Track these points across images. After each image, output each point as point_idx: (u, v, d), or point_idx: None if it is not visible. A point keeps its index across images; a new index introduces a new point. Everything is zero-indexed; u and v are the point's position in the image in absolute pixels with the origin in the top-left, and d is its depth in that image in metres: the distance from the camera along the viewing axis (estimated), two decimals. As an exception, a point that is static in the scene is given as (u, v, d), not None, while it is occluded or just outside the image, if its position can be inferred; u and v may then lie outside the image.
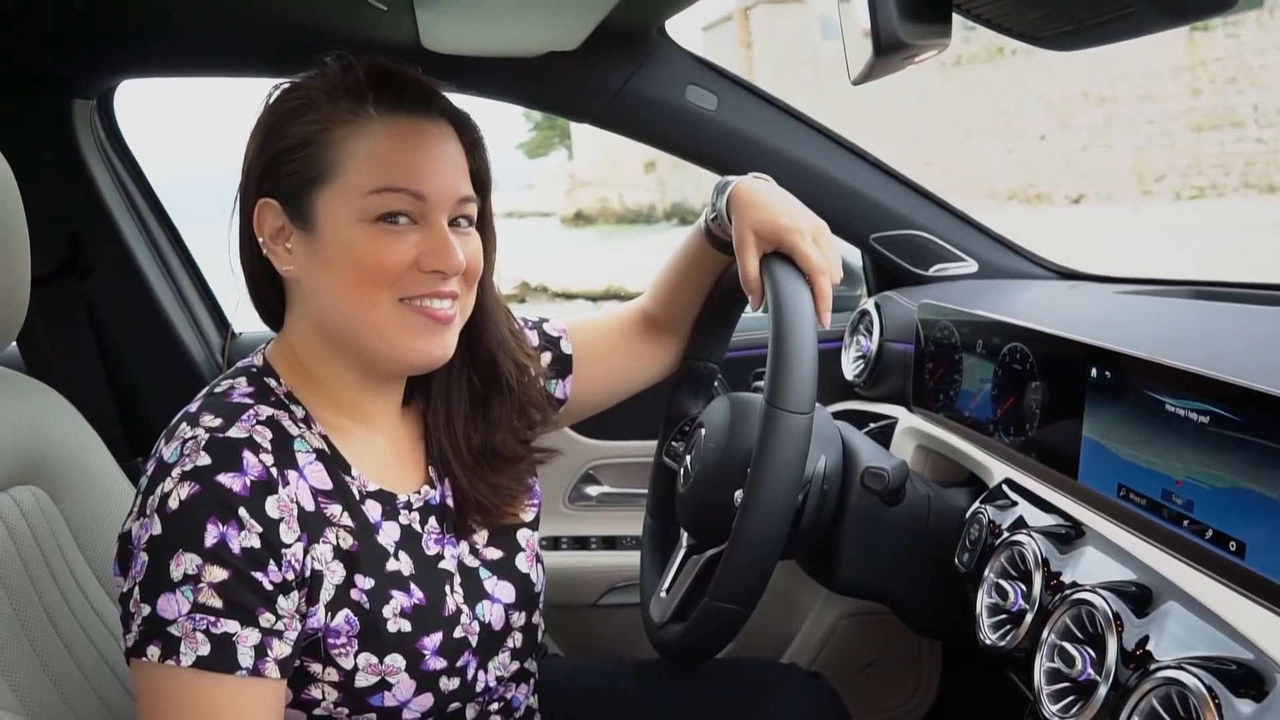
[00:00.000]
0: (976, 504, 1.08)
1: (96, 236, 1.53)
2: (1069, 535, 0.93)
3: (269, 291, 1.01)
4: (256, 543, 0.84)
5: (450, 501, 1.04)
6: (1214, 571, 0.79)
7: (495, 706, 1.06)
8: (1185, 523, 0.83)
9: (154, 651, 0.81)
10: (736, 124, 1.47)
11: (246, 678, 0.83)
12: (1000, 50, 16.68)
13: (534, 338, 1.20)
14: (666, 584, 1.19)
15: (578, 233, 27.56)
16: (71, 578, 1.11)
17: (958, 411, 1.27)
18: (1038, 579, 0.90)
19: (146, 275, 1.56)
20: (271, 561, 0.85)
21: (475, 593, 1.01)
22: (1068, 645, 0.80)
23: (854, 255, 1.69)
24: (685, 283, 1.26)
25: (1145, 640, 0.76)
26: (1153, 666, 0.73)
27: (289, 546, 0.87)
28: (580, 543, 1.67)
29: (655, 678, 1.25)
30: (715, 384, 1.32)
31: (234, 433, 0.88)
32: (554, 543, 1.66)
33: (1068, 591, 0.85)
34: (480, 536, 1.05)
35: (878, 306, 1.50)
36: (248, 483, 0.85)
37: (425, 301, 0.94)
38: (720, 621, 1.01)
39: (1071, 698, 0.80)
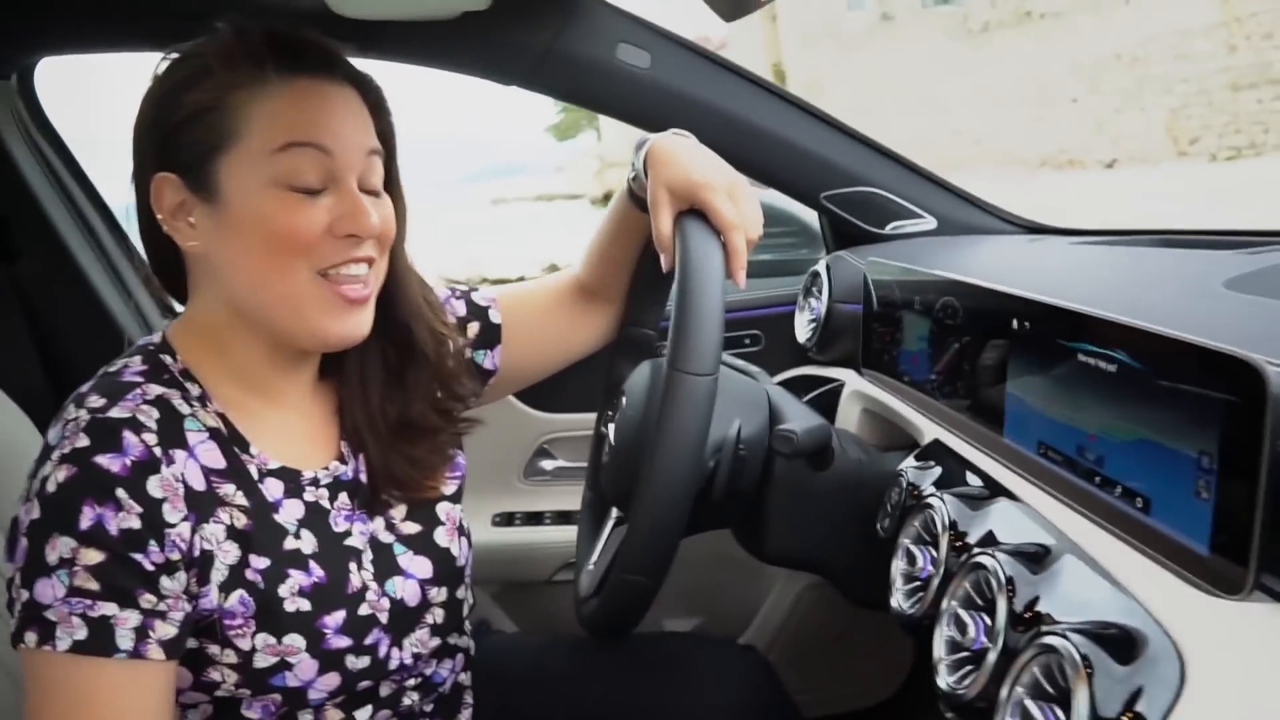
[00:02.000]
0: (900, 466, 1.03)
1: (23, 220, 1.50)
2: (983, 496, 0.88)
3: (175, 268, 0.98)
4: (136, 524, 0.82)
5: (364, 477, 1.01)
6: (1122, 530, 0.74)
7: (413, 683, 1.03)
8: (1096, 479, 0.78)
9: (31, 637, 0.80)
10: (671, 82, 1.41)
11: (126, 660, 0.81)
12: (1028, 14, 16.34)
13: (461, 307, 1.17)
14: (593, 557, 1.15)
15: (606, 214, 27.44)
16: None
17: (901, 372, 1.21)
18: (944, 543, 0.85)
19: (77, 257, 1.52)
20: (152, 542, 0.83)
21: (387, 569, 0.98)
22: (962, 612, 0.76)
23: (813, 217, 1.63)
24: (613, 246, 1.22)
25: (1035, 601, 0.71)
26: (1038, 631, 0.68)
27: (173, 526, 0.84)
28: (534, 518, 1.62)
29: (587, 653, 1.22)
30: (660, 351, 1.28)
31: (115, 413, 0.85)
32: (508, 519, 1.62)
33: (971, 555, 0.80)
34: (398, 511, 1.02)
35: (828, 267, 1.44)
36: (127, 463, 0.83)
37: (343, 269, 0.91)
38: (628, 595, 0.97)
39: (969, 668, 0.75)
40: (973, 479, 0.93)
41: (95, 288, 1.55)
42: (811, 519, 1.09)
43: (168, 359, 0.93)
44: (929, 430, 1.08)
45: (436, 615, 1.02)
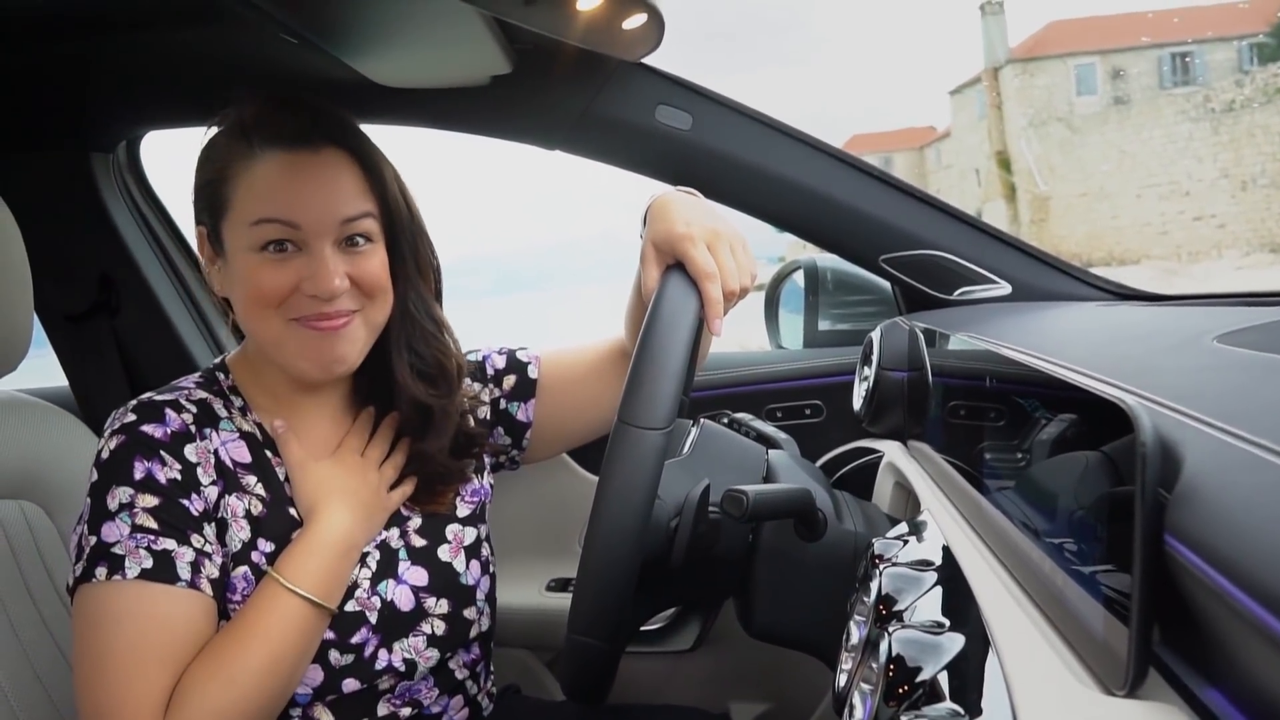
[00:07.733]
0: (876, 539, 0.94)
1: (124, 277, 1.66)
2: (921, 569, 0.78)
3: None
4: (179, 476, 0.95)
5: None
6: (1053, 615, 0.65)
7: (408, 713, 1.06)
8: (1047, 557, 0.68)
9: (101, 571, 0.91)
10: (714, 143, 1.39)
11: (186, 589, 0.92)
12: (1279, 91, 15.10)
13: (501, 361, 1.25)
14: None
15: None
16: (52, 589, 1.19)
17: (938, 445, 1.12)
18: (870, 617, 0.76)
19: (168, 311, 1.67)
20: (194, 493, 0.95)
21: (384, 571, 1.06)
22: (855, 691, 0.68)
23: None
24: (640, 308, 1.21)
25: (916, 683, 0.62)
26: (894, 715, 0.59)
27: (205, 486, 0.97)
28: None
29: None
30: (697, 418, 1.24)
31: (160, 397, 1.00)
32: (563, 585, 1.60)
33: (884, 630, 0.71)
34: (413, 524, 1.11)
35: (882, 334, 1.36)
36: (168, 431, 0.97)
37: (315, 321, 1.01)
38: (582, 657, 0.92)
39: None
40: (932, 554, 0.83)
41: (182, 338, 1.70)
42: (800, 592, 1.01)
43: (221, 375, 1.08)
44: (928, 500, 0.98)
45: (436, 626, 1.07)
